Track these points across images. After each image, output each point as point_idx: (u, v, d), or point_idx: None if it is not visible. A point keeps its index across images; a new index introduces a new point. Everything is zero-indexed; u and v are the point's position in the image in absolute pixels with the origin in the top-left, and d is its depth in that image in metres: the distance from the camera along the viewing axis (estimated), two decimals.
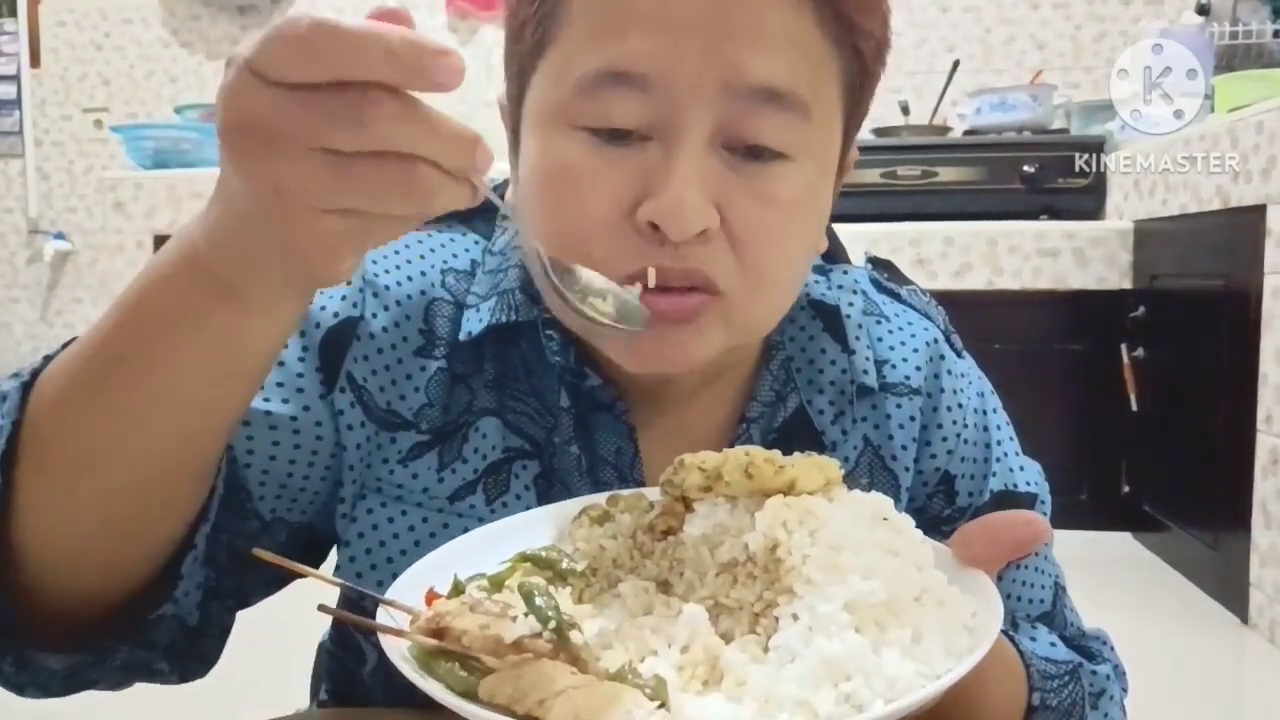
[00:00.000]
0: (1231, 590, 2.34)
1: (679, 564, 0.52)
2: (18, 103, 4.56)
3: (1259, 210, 2.22)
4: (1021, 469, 0.76)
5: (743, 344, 0.66)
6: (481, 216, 0.73)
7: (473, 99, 3.72)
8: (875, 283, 0.78)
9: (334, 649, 0.74)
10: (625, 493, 0.61)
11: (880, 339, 0.74)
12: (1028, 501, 0.74)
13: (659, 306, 0.58)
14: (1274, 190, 2.17)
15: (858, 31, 0.61)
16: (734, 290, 0.60)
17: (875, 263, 0.81)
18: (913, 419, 0.72)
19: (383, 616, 0.49)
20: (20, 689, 0.55)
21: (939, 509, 0.73)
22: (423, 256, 0.70)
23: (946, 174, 3.21)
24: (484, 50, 4.10)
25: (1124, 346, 2.91)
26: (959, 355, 0.76)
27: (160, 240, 3.37)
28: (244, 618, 0.64)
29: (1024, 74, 3.77)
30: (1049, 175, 3.13)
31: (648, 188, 0.57)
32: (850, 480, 0.55)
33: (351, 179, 0.38)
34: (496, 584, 0.52)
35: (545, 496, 0.66)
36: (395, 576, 0.53)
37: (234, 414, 0.52)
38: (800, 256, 0.65)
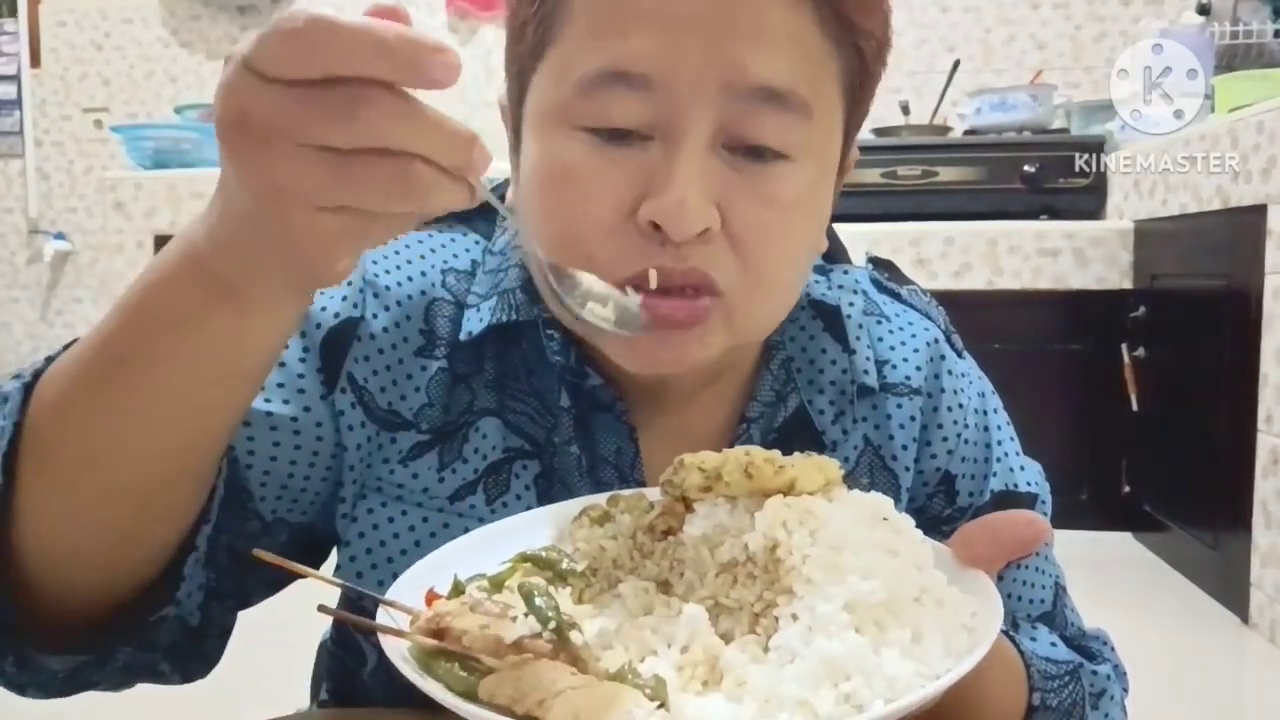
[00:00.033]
0: (1232, 590, 2.34)
1: (679, 564, 0.52)
2: (18, 103, 4.56)
3: (1259, 210, 2.22)
4: (1022, 469, 0.76)
5: (743, 344, 0.66)
6: (482, 216, 0.73)
7: (472, 99, 3.74)
8: (876, 283, 0.78)
9: (334, 649, 0.74)
10: (625, 493, 0.61)
11: (881, 339, 0.74)
12: (1028, 501, 0.74)
13: (660, 311, 0.57)
14: (1274, 190, 2.17)
15: (858, 31, 0.61)
16: (735, 291, 0.60)
17: (876, 263, 0.81)
18: (913, 419, 0.72)
19: (383, 617, 0.49)
20: (21, 689, 0.55)
21: (939, 509, 0.73)
22: (423, 256, 0.70)
23: (946, 174, 3.21)
24: (484, 50, 4.10)
25: (1124, 346, 2.91)
26: (959, 355, 0.76)
27: (160, 240, 3.37)
28: (245, 618, 0.64)
29: (1024, 74, 3.77)
30: (1049, 175, 3.13)
31: (649, 188, 0.57)
32: (850, 480, 0.55)
33: (348, 176, 0.38)
34: (496, 584, 0.52)
35: (545, 496, 0.66)
36: (395, 576, 0.53)
37: (234, 414, 0.52)
38: (801, 257, 0.65)
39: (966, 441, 0.73)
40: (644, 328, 0.55)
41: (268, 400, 0.62)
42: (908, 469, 0.72)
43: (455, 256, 0.71)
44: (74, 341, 0.51)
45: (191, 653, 0.60)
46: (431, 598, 0.51)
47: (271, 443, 0.62)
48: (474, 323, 0.67)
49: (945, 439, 0.72)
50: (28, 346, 4.59)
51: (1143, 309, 2.88)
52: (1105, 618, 0.80)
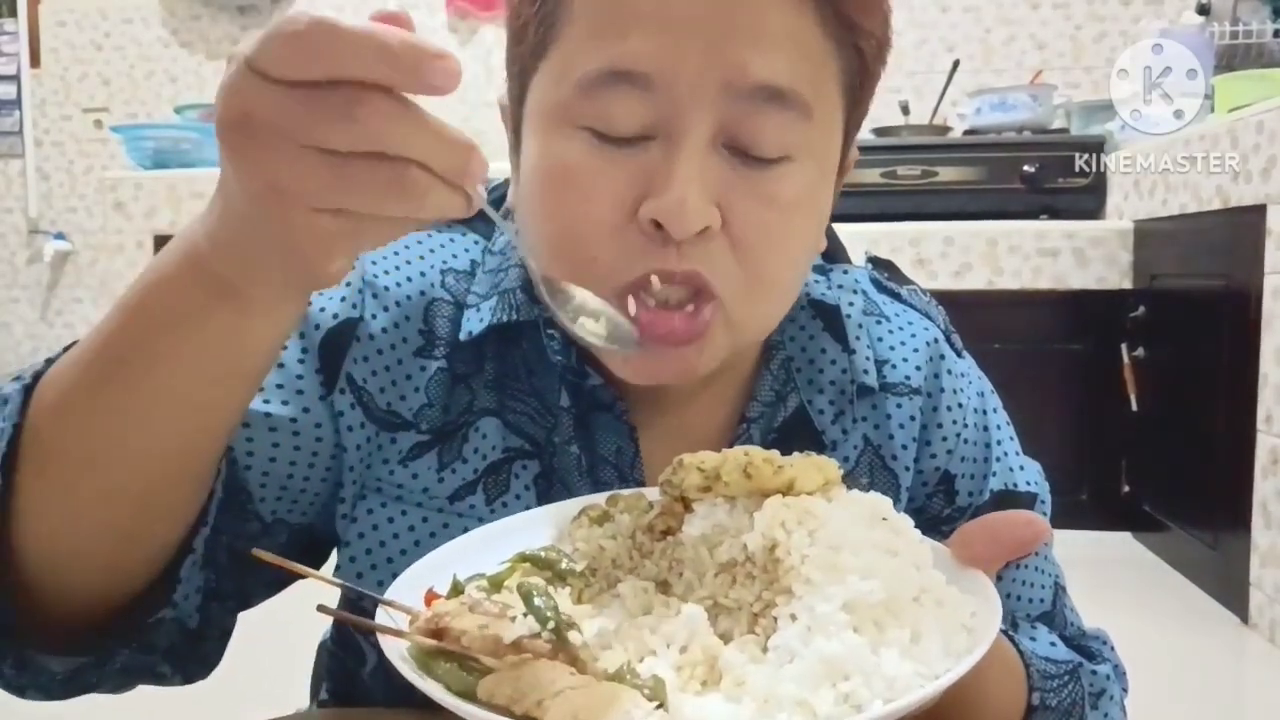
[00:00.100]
0: (1231, 590, 2.34)
1: (678, 564, 0.52)
2: (18, 103, 4.56)
3: (1259, 210, 2.22)
4: (1021, 469, 0.76)
5: (743, 345, 0.66)
6: (481, 217, 0.73)
7: (472, 99, 3.73)
8: (875, 282, 0.78)
9: (334, 649, 0.74)
10: (625, 493, 0.61)
11: (880, 339, 0.74)
12: (1028, 501, 0.74)
13: (657, 332, 0.58)
14: (1274, 190, 2.17)
15: (859, 31, 0.61)
16: (734, 292, 0.60)
17: (875, 262, 0.81)
18: (913, 419, 0.72)
19: (382, 617, 0.49)
20: (21, 691, 0.55)
21: (939, 509, 0.73)
22: (422, 257, 0.70)
23: (946, 174, 3.21)
24: (484, 50, 4.10)
25: (1124, 346, 2.91)
26: (959, 355, 0.76)
27: (160, 240, 3.37)
28: (245, 618, 0.64)
29: (1024, 74, 3.77)
30: (1049, 175, 3.13)
31: (649, 188, 0.57)
32: (850, 480, 0.55)
33: (345, 178, 0.38)
34: (496, 584, 0.52)
35: (545, 496, 0.66)
36: (395, 576, 0.53)
37: (234, 415, 0.52)
38: (801, 257, 0.65)
39: (966, 441, 0.73)
40: (636, 345, 0.56)
41: (267, 401, 0.62)
42: (907, 469, 0.72)
43: (454, 256, 0.71)
44: (74, 343, 0.51)
45: (191, 654, 0.60)
46: (431, 598, 0.51)
47: (271, 444, 0.62)
48: (474, 323, 0.67)
49: (945, 439, 0.72)
50: (28, 346, 4.59)
51: (1142, 309, 2.88)
52: (1105, 618, 0.80)
